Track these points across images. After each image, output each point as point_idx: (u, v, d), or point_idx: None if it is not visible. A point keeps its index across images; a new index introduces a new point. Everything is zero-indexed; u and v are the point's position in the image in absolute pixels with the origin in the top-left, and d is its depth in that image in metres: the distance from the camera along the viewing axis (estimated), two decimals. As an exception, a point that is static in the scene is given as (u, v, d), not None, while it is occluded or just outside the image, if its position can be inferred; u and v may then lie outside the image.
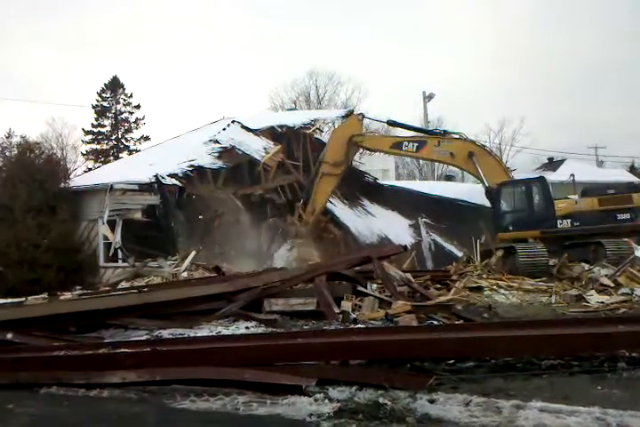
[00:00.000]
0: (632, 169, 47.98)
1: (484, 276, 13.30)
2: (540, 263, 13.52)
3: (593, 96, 76.83)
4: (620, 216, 14.65)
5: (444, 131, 18.05)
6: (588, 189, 16.23)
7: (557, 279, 12.68)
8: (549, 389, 4.81)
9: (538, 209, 15.44)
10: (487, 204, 20.01)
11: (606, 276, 11.87)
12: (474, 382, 5.08)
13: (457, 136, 17.75)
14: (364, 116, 19.61)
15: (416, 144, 17.68)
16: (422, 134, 18.49)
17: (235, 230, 18.31)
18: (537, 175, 18.77)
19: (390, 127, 24.89)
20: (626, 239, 14.70)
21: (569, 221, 14.92)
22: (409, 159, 53.80)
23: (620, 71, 74.38)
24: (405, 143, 17.92)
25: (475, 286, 12.01)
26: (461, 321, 8.21)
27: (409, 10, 78.47)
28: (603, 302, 10.13)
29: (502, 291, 11.82)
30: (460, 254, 19.66)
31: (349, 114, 27.27)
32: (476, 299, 10.78)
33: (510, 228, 15.55)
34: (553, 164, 40.81)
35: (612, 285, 11.39)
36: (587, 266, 13.00)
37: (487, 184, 16.37)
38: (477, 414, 4.17)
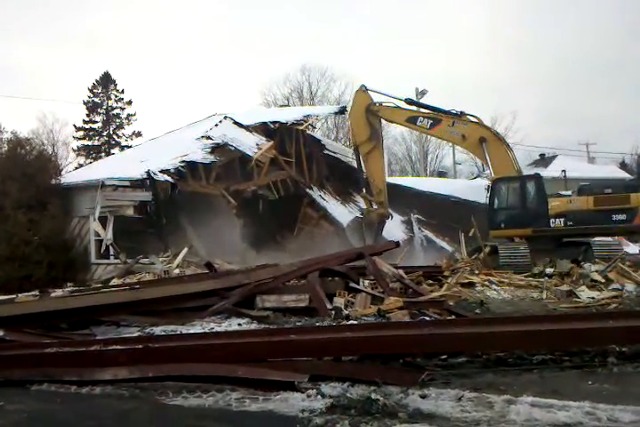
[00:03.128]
0: (623, 165, 48.25)
1: (476, 272, 13.34)
2: (522, 264, 13.37)
3: (584, 92, 77.11)
4: (616, 217, 14.27)
5: (461, 112, 17.44)
6: (585, 188, 15.81)
7: (548, 275, 12.72)
8: (540, 384, 4.85)
9: (531, 207, 15.19)
10: (479, 200, 20.00)
11: (597, 272, 11.94)
12: (465, 378, 5.11)
13: (473, 119, 17.36)
14: (366, 88, 19.09)
15: (431, 121, 17.49)
16: (439, 113, 18.07)
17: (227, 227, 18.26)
18: (533, 172, 18.55)
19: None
20: (617, 237, 14.58)
21: (562, 220, 14.66)
22: (401, 155, 54.11)
23: (612, 68, 74.72)
24: (420, 119, 17.76)
25: (467, 281, 12.05)
26: (453, 317, 8.24)
27: (402, 5, 78.38)
28: (593, 298, 10.19)
29: (494, 287, 11.86)
30: (451, 250, 19.73)
31: (343, 110, 27.27)
32: (467, 295, 10.81)
33: (502, 225, 15.37)
34: (544, 160, 41.01)
35: (603, 280, 11.45)
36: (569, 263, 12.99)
37: (493, 175, 16.14)
38: (469, 409, 4.20)
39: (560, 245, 14.44)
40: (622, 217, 14.26)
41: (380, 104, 18.55)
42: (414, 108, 18.66)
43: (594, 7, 78.16)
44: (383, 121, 19.75)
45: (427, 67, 73.65)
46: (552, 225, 14.78)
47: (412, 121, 18.04)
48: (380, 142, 19.41)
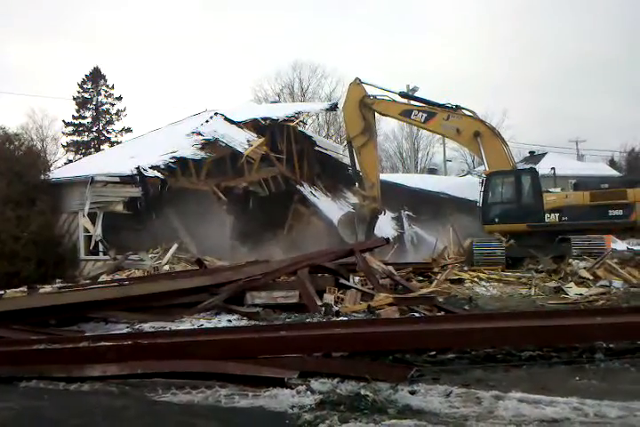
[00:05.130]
0: (612, 163, 48.61)
1: (465, 268, 13.42)
2: (496, 260, 13.39)
3: (574, 90, 77.65)
4: (612, 212, 13.99)
5: (456, 106, 17.14)
6: (581, 183, 15.57)
7: (536, 271, 12.80)
8: (528, 379, 4.88)
9: (526, 201, 14.99)
10: (468, 197, 19.98)
11: (585, 268, 12.02)
12: (454, 374, 5.14)
13: (468, 113, 17.09)
14: (360, 80, 18.74)
15: (425, 115, 17.25)
16: (434, 106, 17.70)
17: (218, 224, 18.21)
18: (528, 167, 18.29)
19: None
20: (603, 236, 14.35)
21: (557, 215, 14.43)
22: (392, 152, 54.21)
23: (602, 66, 75.26)
24: (415, 112, 17.50)
25: (456, 278, 12.13)
26: (442, 313, 8.28)
27: (396, 5, 78.41)
28: (581, 294, 10.28)
29: (483, 283, 11.95)
30: (441, 247, 19.76)
31: (334, 107, 27.21)
32: (457, 291, 10.88)
33: (496, 220, 15.15)
34: (534, 157, 41.20)
35: (591, 277, 11.54)
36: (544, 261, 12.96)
37: (488, 169, 15.89)
38: (458, 405, 4.22)
39: (554, 241, 14.19)
40: (619, 213, 13.98)
41: (375, 97, 18.29)
42: (409, 101, 18.37)
43: (586, 7, 78.62)
44: (376, 116, 19.56)
45: (418, 65, 73.88)
46: (547, 220, 14.54)
47: (406, 114, 17.80)
48: (374, 136, 19.14)
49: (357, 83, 18.68)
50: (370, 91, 18.56)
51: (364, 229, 18.78)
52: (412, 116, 17.63)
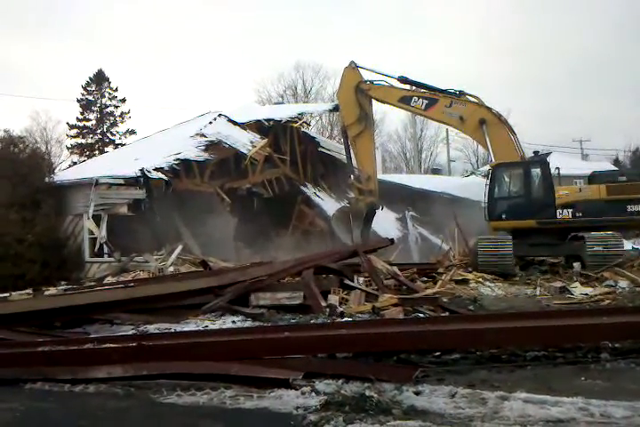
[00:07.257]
0: (616, 162, 48.48)
1: (470, 269, 13.35)
2: (503, 262, 12.55)
3: (578, 89, 77.48)
4: (631, 208, 12.91)
5: (460, 91, 15.78)
6: (597, 175, 14.47)
7: (540, 272, 12.74)
8: (534, 380, 4.87)
9: (536, 196, 13.79)
10: (472, 197, 19.70)
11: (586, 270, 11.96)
12: (459, 374, 5.13)
13: (473, 99, 15.73)
14: (356, 65, 17.34)
15: (426, 101, 15.98)
16: (436, 92, 16.30)
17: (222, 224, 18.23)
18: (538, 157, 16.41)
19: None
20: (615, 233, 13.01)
21: (570, 210, 13.33)
22: (395, 152, 54.17)
23: (606, 65, 75.09)
24: (415, 98, 16.21)
25: (460, 278, 12.08)
26: (447, 314, 8.27)
27: (397, 5, 78.32)
28: (587, 294, 10.23)
29: (488, 283, 11.91)
30: (445, 247, 19.65)
31: (336, 108, 27.17)
32: (461, 291, 10.85)
33: (503, 216, 13.98)
34: (538, 156, 41.10)
35: (596, 275, 11.51)
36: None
37: (494, 160, 14.79)
38: (463, 406, 4.22)
39: (566, 239, 13.35)
40: (638, 208, 12.97)
41: (372, 82, 17.15)
42: (409, 87, 17.04)
43: (587, 6, 78.48)
44: (376, 118, 19.06)
45: (420, 65, 73.70)
46: (559, 216, 13.44)
47: (405, 101, 16.53)
48: (371, 125, 18.00)
49: (353, 67, 17.43)
50: (367, 76, 17.41)
51: (360, 225, 17.72)
52: (411, 103, 16.41)
